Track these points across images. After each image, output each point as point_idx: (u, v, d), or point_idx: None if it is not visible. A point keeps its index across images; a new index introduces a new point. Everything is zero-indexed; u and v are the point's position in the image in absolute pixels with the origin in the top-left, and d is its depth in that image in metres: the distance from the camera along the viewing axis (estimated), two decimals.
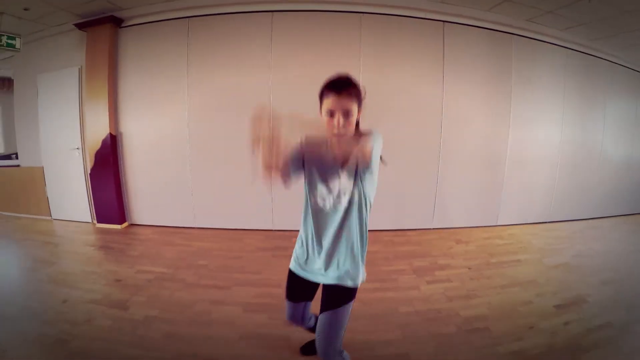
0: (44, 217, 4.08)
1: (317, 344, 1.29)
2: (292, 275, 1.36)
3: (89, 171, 3.69)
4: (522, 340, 1.91)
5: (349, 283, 1.24)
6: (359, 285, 1.27)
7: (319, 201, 1.22)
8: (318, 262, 1.26)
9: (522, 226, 3.95)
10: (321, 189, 1.21)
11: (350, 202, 1.19)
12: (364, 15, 3.27)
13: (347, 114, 1.09)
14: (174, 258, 2.98)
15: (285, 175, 1.19)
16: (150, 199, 3.76)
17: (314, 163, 1.23)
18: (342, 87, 1.10)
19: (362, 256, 1.27)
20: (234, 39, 3.35)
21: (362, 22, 3.29)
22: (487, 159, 3.75)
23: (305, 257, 1.30)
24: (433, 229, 3.73)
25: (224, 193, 3.63)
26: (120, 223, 3.74)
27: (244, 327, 2.00)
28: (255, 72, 3.36)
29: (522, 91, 3.68)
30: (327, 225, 1.22)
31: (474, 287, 2.52)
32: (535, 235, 3.69)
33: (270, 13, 3.26)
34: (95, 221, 3.83)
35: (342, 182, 1.18)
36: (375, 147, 1.11)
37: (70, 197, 3.91)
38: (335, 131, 1.10)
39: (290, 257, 1.39)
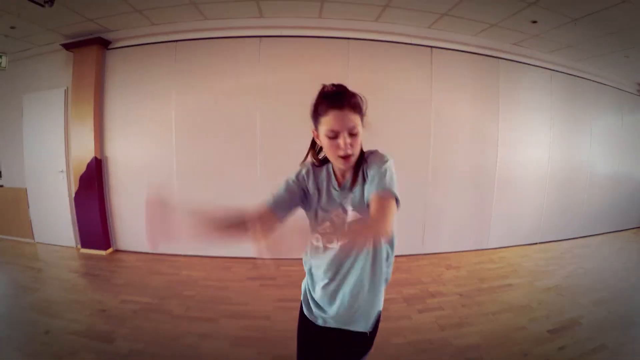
0: (26, 240, 4.05)
1: None
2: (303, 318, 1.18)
3: (73, 195, 3.70)
4: None
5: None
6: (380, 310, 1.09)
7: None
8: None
9: (512, 248, 4.04)
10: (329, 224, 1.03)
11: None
12: (352, 42, 3.38)
13: (353, 132, 0.93)
14: (160, 287, 2.98)
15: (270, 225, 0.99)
16: (135, 224, 3.71)
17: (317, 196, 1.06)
18: (343, 100, 0.92)
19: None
20: (222, 63, 3.42)
21: (350, 47, 3.40)
22: (476, 180, 3.85)
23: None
24: (423, 254, 3.78)
25: None
26: (105, 249, 3.73)
27: None
28: (242, 95, 3.43)
29: (509, 112, 3.82)
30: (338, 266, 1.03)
31: (466, 315, 2.56)
32: (525, 257, 3.78)
33: (258, 38, 3.35)
34: (79, 246, 3.82)
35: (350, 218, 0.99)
36: (394, 176, 0.94)
37: (54, 220, 3.89)
38: (343, 153, 0.93)
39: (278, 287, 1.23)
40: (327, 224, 1.03)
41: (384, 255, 1.03)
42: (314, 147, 1.08)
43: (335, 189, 1.03)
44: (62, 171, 3.75)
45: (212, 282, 3.12)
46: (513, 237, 4.09)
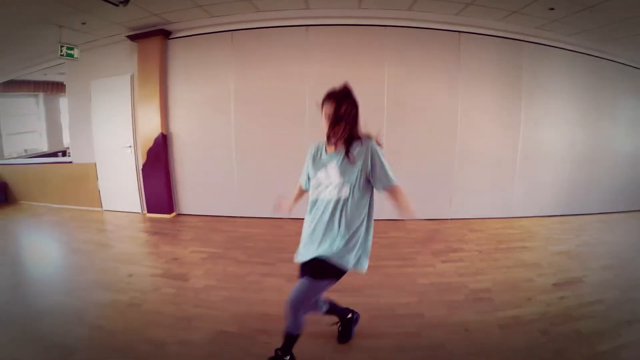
0: (95, 209, 4.92)
1: (289, 296, 1.61)
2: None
3: (140, 167, 4.51)
4: (520, 308, 2.41)
5: (335, 261, 1.53)
6: (346, 268, 1.56)
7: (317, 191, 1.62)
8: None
9: (533, 218, 4.58)
10: (317, 181, 1.62)
11: (344, 196, 1.52)
12: (387, 29, 4.00)
13: (330, 119, 1.50)
14: (223, 241, 3.72)
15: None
16: (196, 191, 4.56)
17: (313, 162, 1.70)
18: (331, 96, 1.51)
19: (360, 246, 1.58)
20: (273, 50, 4.11)
21: (385, 34, 4.02)
22: (499, 155, 4.41)
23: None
24: (450, 219, 4.41)
25: (266, 185, 4.34)
26: (170, 213, 4.55)
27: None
28: (291, 79, 4.12)
29: (531, 93, 4.34)
30: (321, 213, 1.59)
31: (482, 267, 3.10)
32: (544, 226, 4.32)
33: (304, 27, 4.01)
34: (145, 211, 4.64)
35: (333, 177, 1.55)
36: (379, 154, 1.53)
37: (121, 190, 4.73)
38: (326, 132, 1.53)
39: None
40: (315, 180, 1.62)
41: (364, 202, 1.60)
42: None
43: (323, 155, 1.66)
44: (130, 146, 4.56)
45: (269, 236, 3.87)
46: (534, 208, 4.63)
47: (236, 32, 4.12)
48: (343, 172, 1.52)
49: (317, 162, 1.67)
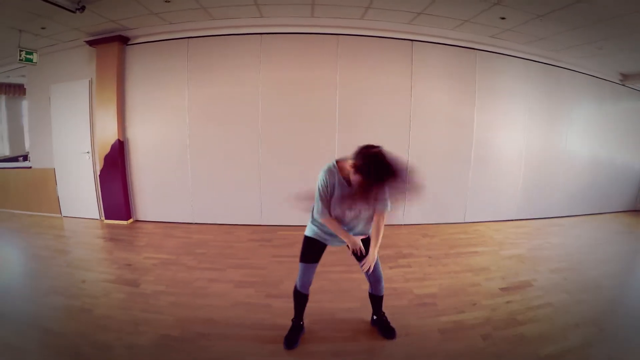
0: (54, 215, 5.01)
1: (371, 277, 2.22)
2: (311, 240, 2.16)
3: (98, 172, 4.63)
4: (463, 313, 2.53)
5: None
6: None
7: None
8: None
9: (488, 223, 4.82)
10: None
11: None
12: (340, 37, 4.20)
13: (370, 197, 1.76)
14: (176, 247, 3.87)
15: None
16: (153, 197, 4.71)
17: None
18: (384, 176, 1.66)
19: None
20: (228, 58, 4.28)
21: (339, 42, 4.22)
22: (453, 160, 4.64)
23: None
24: (403, 225, 4.60)
25: (219, 192, 4.57)
26: (127, 219, 4.67)
27: (235, 298, 2.74)
28: (246, 86, 4.30)
29: (485, 99, 4.59)
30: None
31: (430, 272, 3.27)
32: (498, 231, 4.54)
33: (259, 35, 4.19)
34: (103, 218, 4.76)
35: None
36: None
37: (80, 196, 4.83)
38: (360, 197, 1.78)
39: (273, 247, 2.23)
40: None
41: None
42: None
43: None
44: (87, 152, 4.67)
45: (220, 242, 4.03)
46: (489, 213, 4.86)
47: (192, 40, 4.28)
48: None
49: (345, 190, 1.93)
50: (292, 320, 2.31)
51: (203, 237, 4.19)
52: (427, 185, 4.57)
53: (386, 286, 2.87)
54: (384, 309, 2.38)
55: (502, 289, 2.92)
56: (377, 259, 2.11)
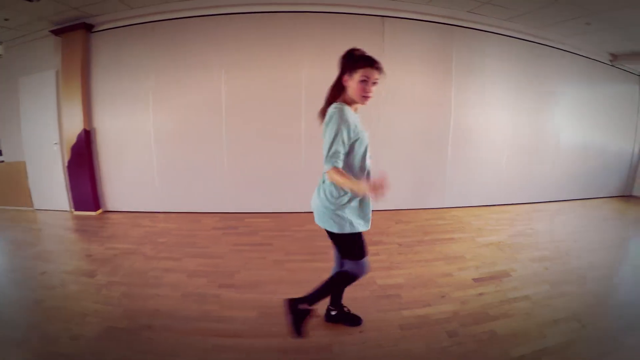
0: (27, 208, 5.02)
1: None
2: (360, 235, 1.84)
3: (66, 164, 4.60)
4: (429, 306, 2.37)
5: None
6: None
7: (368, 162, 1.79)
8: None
9: (468, 208, 4.64)
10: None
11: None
12: (307, 15, 4.04)
13: (376, 82, 1.65)
14: (139, 236, 3.83)
15: None
16: (121, 187, 4.67)
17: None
18: (374, 62, 1.63)
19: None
20: (190, 41, 4.19)
21: (305, 21, 4.07)
22: (429, 142, 4.47)
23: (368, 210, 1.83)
24: (377, 210, 4.38)
25: (185, 180, 4.51)
26: (96, 210, 4.65)
27: (186, 288, 2.69)
28: (209, 70, 4.21)
29: (463, 78, 4.40)
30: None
31: (399, 261, 3.10)
32: (478, 216, 4.36)
33: (223, 16, 4.07)
34: (73, 209, 4.74)
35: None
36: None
37: (51, 188, 4.82)
38: (370, 94, 1.65)
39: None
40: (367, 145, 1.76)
41: None
42: (338, 90, 1.75)
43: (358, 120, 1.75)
44: (56, 144, 4.65)
45: (183, 231, 3.97)
46: (469, 198, 4.69)
47: (156, 24, 4.20)
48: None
49: (361, 128, 1.76)
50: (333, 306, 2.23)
51: (167, 226, 4.14)
52: (403, 169, 4.55)
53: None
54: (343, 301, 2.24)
55: (475, 280, 2.74)
56: None
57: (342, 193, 1.73)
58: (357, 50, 1.69)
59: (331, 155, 1.61)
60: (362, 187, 1.58)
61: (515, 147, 4.75)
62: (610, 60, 5.11)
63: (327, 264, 2.79)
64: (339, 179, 1.61)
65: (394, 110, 4.31)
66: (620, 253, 3.52)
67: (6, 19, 4.15)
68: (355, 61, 1.64)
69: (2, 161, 5.11)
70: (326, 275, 2.72)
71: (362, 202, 1.80)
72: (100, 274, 3.00)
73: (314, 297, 2.00)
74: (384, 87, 4.19)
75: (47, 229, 4.35)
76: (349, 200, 1.74)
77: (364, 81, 1.62)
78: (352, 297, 2.41)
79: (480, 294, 2.51)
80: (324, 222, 1.81)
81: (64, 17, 4.22)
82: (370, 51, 4.26)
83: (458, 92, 4.41)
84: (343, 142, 1.62)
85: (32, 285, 2.83)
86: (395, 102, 4.29)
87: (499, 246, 3.47)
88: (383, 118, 4.31)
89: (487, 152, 4.67)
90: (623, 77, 5.26)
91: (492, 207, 4.75)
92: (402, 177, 4.44)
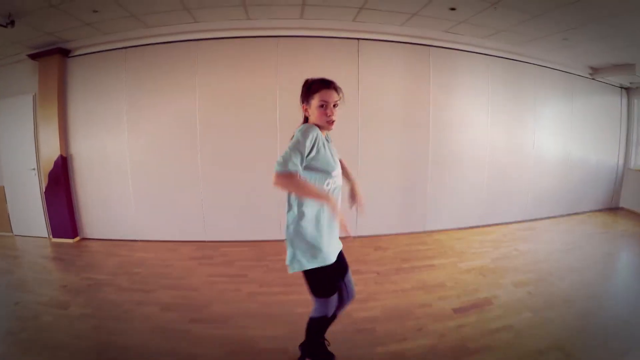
0: (6, 234, 4.98)
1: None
2: (326, 268, 1.69)
3: (44, 190, 4.57)
4: (405, 340, 2.28)
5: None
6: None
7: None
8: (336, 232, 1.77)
9: (450, 231, 4.58)
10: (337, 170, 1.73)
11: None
12: (280, 39, 4.05)
13: (336, 104, 1.62)
14: (115, 266, 3.79)
15: None
16: (99, 215, 4.63)
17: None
18: (330, 83, 1.63)
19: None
20: (163, 66, 4.19)
21: (278, 45, 4.06)
22: (408, 164, 4.44)
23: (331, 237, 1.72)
24: (356, 237, 4.35)
25: (162, 208, 4.47)
26: (73, 237, 4.60)
27: (157, 322, 2.65)
28: (183, 95, 4.20)
29: (441, 97, 4.38)
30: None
31: (376, 291, 3.00)
32: (460, 239, 4.30)
33: (194, 42, 4.07)
34: (51, 236, 4.70)
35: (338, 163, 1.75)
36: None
37: (29, 214, 4.78)
38: (333, 118, 1.62)
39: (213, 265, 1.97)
40: (336, 170, 1.69)
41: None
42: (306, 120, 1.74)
43: (326, 142, 1.71)
44: (33, 169, 4.62)
45: (159, 261, 3.92)
46: (451, 220, 4.64)
47: (129, 50, 4.19)
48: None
49: (330, 149, 1.75)
50: (317, 344, 2.04)
51: (144, 256, 4.09)
52: (382, 193, 4.51)
53: None
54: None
55: (455, 310, 2.65)
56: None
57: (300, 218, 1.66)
58: (311, 79, 1.68)
59: (282, 159, 1.46)
60: (326, 198, 1.56)
61: (496, 165, 4.72)
62: (591, 74, 5.12)
63: (301, 296, 2.65)
64: (289, 184, 1.49)
65: (372, 132, 4.30)
66: (605, 270, 3.49)
67: None
68: (309, 88, 1.64)
69: None
70: (300, 308, 2.67)
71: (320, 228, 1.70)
72: (74, 306, 2.98)
73: (309, 350, 2.02)
74: (361, 108, 4.22)
75: (24, 256, 4.31)
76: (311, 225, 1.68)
77: (323, 105, 1.61)
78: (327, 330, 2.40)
79: (460, 326, 2.43)
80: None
81: (39, 41, 4.21)
82: (346, 74, 4.25)
83: (436, 111, 4.39)
84: (301, 153, 1.48)
85: (6, 315, 2.83)
86: (373, 124, 4.28)
87: (481, 271, 3.40)
88: (360, 141, 4.30)
89: (468, 171, 4.65)
90: (604, 90, 5.30)
91: (475, 229, 4.70)
92: (381, 201, 4.40)
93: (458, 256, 3.80)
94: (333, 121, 1.64)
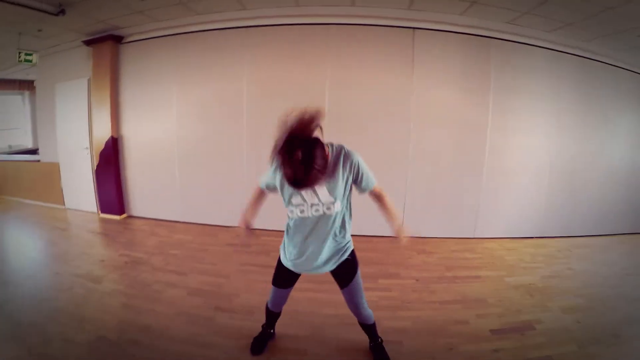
0: (59, 206, 5.21)
1: (351, 311, 1.84)
2: (282, 267, 1.77)
3: (95, 168, 4.70)
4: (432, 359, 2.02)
5: (345, 257, 1.66)
6: (352, 248, 1.70)
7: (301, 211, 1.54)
8: (313, 262, 1.63)
9: (503, 240, 4.08)
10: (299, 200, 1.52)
11: (338, 209, 1.53)
12: (332, 27, 3.76)
13: (299, 173, 1.23)
14: (153, 246, 3.77)
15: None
16: (145, 194, 4.67)
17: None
18: (291, 146, 1.22)
19: (347, 231, 1.64)
20: (213, 54, 4.08)
21: (329, 33, 3.78)
22: (463, 166, 3.98)
23: (300, 258, 1.65)
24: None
25: (206, 192, 4.39)
26: (120, 214, 4.71)
27: (182, 307, 2.56)
28: (232, 82, 4.07)
29: (502, 97, 3.87)
30: (310, 230, 1.57)
31: (411, 299, 2.69)
32: (512, 250, 3.80)
33: (243, 29, 3.92)
34: (99, 211, 4.83)
35: (323, 196, 1.49)
36: (360, 160, 1.50)
37: (81, 189, 4.95)
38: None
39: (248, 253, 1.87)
40: (297, 199, 1.51)
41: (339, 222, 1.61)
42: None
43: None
44: (86, 148, 4.76)
45: (196, 244, 3.84)
46: (505, 229, 4.13)
47: (180, 36, 4.14)
48: (332, 190, 1.49)
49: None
50: (262, 325, 2.19)
51: (183, 238, 4.04)
52: (432, 192, 4.04)
53: (347, 312, 2.37)
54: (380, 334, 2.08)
55: (493, 331, 2.29)
56: (358, 283, 1.78)
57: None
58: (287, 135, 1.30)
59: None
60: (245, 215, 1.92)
61: (558, 174, 4.15)
62: None
63: (331, 296, 2.50)
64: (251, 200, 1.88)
65: (424, 127, 3.91)
66: None
67: (39, 30, 4.31)
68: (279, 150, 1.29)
69: (39, 161, 5.34)
70: (326, 309, 2.55)
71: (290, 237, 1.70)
72: (107, 281, 3.00)
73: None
74: (413, 105, 3.86)
75: (71, 229, 4.43)
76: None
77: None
78: (347, 338, 2.20)
79: (495, 351, 2.10)
80: None
81: (92, 29, 4.31)
82: (400, 65, 3.83)
83: (496, 113, 3.91)
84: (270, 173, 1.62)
85: (44, 285, 2.90)
86: (426, 120, 3.89)
87: (528, 289, 2.92)
88: (412, 138, 3.92)
89: (528, 178, 4.12)
90: None
91: (529, 240, 4.16)
92: (430, 201, 4.02)
93: (506, 270, 3.33)
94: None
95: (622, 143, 4.32)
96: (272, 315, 2.06)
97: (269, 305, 1.98)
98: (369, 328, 1.98)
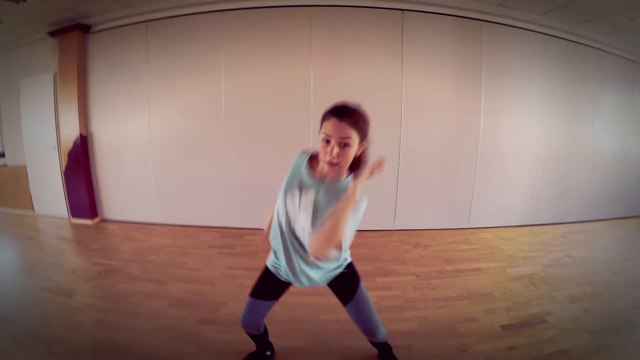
0: (28, 213, 4.64)
1: (359, 328, 1.56)
2: (269, 273, 1.46)
3: (63, 170, 4.16)
4: None
5: (340, 270, 1.42)
6: (350, 261, 1.46)
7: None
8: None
9: (497, 229, 3.88)
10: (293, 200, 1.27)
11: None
12: (316, 9, 3.40)
13: (343, 144, 1.08)
14: (129, 252, 3.32)
15: None
16: (119, 196, 4.18)
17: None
18: (344, 112, 1.09)
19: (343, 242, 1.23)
20: (187, 40, 3.64)
21: (313, 16, 3.42)
22: (454, 154, 3.73)
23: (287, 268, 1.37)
24: (394, 230, 3.76)
25: (184, 191, 3.96)
26: (92, 218, 4.19)
27: (164, 320, 2.22)
28: (207, 73, 3.63)
29: (494, 82, 3.63)
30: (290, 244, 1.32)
31: (414, 298, 2.47)
32: (509, 240, 3.61)
33: (221, 12, 3.49)
34: (70, 216, 4.30)
35: (305, 205, 1.22)
36: (360, 207, 1.17)
37: (50, 194, 4.40)
38: (328, 158, 1.10)
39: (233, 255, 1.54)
40: (292, 199, 1.27)
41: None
42: None
43: (306, 176, 1.27)
44: (54, 148, 4.22)
45: (176, 248, 3.42)
46: (499, 218, 3.93)
47: (150, 23, 3.67)
48: (322, 206, 1.20)
49: (298, 177, 1.31)
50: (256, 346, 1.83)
51: (161, 241, 3.61)
52: (424, 183, 3.63)
53: (347, 317, 2.13)
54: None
55: (504, 327, 2.12)
56: (363, 297, 1.49)
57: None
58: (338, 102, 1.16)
59: None
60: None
61: (549, 159, 3.96)
62: None
63: (328, 300, 2.09)
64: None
65: (414, 115, 3.61)
66: None
67: (0, 22, 3.76)
68: (325, 112, 1.15)
69: (5, 165, 4.76)
70: (324, 314, 2.27)
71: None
72: (78, 295, 2.57)
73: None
74: (404, 90, 3.55)
75: (40, 237, 3.91)
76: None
77: (326, 140, 1.11)
78: (348, 346, 1.97)
79: (510, 348, 1.92)
80: None
81: (58, 18, 3.77)
82: (388, 50, 3.52)
83: (488, 98, 3.66)
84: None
85: (9, 302, 2.48)
86: (416, 107, 3.60)
87: (532, 280, 2.75)
88: (403, 126, 3.62)
89: (519, 163, 3.92)
90: None
91: (524, 228, 3.98)
92: (424, 193, 3.75)
93: (506, 260, 3.13)
94: (332, 162, 1.12)
95: (609, 127, 4.17)
96: (256, 337, 1.67)
97: (243, 324, 1.56)
98: (381, 346, 1.75)
